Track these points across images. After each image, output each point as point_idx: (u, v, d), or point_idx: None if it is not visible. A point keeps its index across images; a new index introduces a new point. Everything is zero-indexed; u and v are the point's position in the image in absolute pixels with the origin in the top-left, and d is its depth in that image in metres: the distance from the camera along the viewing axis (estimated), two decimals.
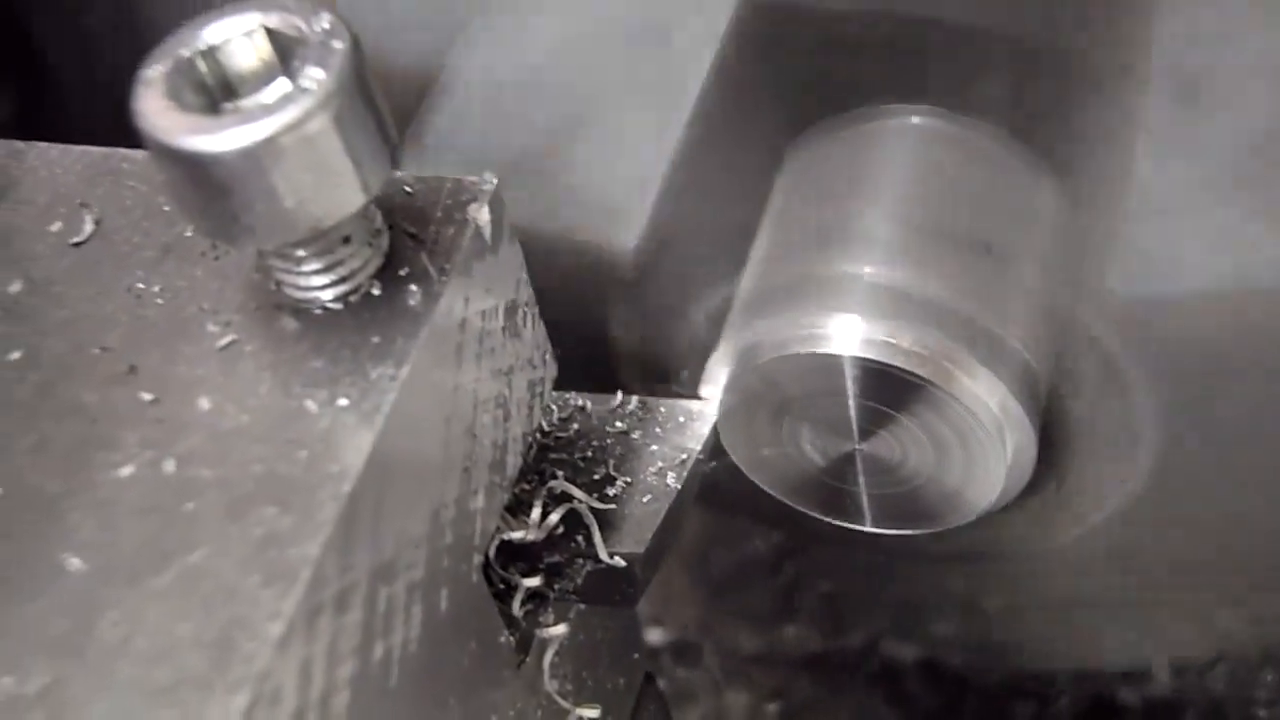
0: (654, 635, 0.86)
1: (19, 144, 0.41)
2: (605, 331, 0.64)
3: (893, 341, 0.50)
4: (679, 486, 0.42)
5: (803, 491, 0.57)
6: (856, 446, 0.54)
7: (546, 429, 0.44)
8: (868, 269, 0.52)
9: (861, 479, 0.55)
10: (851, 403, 0.52)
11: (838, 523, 0.58)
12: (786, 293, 0.53)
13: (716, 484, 0.51)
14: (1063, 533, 0.63)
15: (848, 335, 0.50)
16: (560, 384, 0.43)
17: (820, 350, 0.50)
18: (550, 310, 0.41)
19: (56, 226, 0.39)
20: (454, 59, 0.58)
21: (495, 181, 0.38)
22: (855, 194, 0.53)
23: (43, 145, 0.41)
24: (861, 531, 0.58)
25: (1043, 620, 0.75)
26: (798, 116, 0.55)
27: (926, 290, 0.51)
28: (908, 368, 0.50)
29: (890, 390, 0.51)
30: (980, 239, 0.53)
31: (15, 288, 0.38)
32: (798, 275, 0.53)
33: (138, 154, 0.40)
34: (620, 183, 0.59)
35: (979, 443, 0.52)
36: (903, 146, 0.53)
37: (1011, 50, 0.51)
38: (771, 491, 0.58)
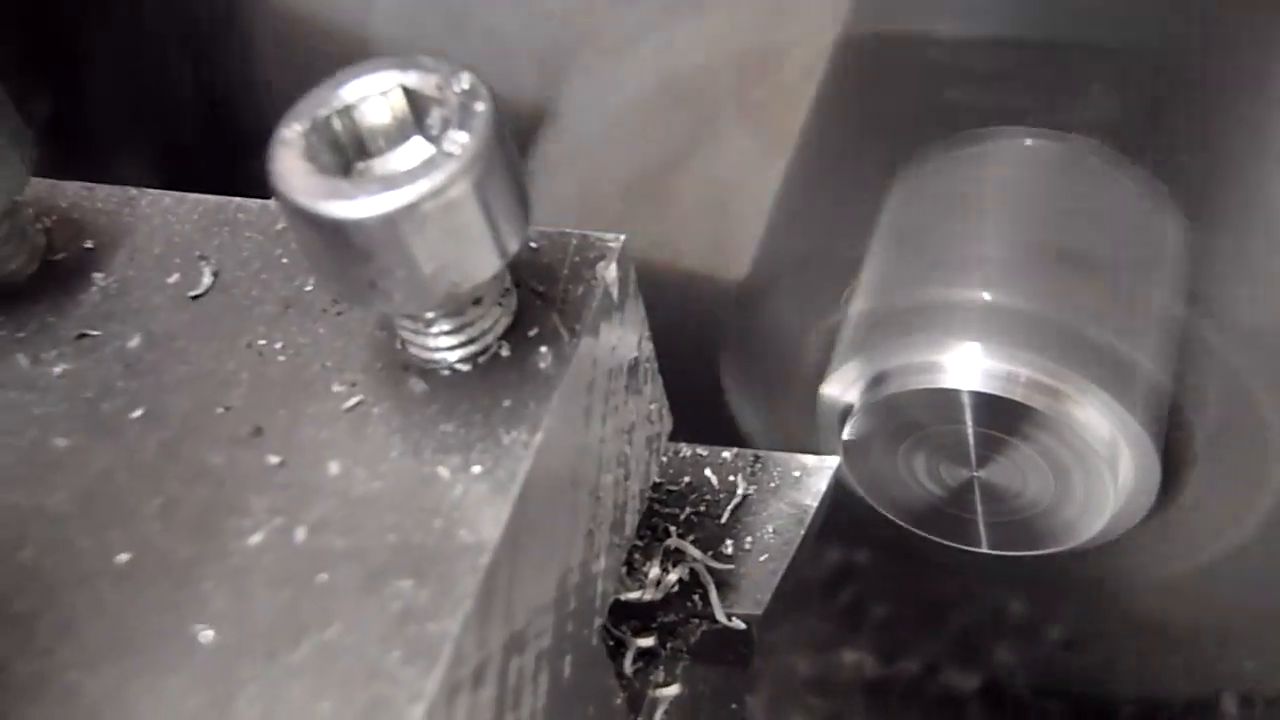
0: None
1: (131, 190, 0.40)
2: (715, 358, 0.63)
3: (1014, 371, 0.49)
4: (796, 545, 0.41)
5: (921, 516, 0.57)
6: (975, 474, 0.53)
7: (658, 480, 0.43)
8: (985, 294, 0.51)
9: (980, 505, 0.55)
10: (970, 430, 0.52)
11: (955, 545, 0.57)
12: (903, 319, 0.52)
13: None
14: (1167, 563, 0.63)
15: (968, 367, 0.50)
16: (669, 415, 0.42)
17: (941, 385, 0.50)
18: (659, 338, 0.40)
19: (174, 278, 0.38)
20: (567, 89, 0.57)
21: (623, 238, 0.37)
22: (969, 217, 0.53)
23: (155, 192, 0.40)
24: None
25: (1108, 648, 0.74)
26: (907, 141, 0.54)
27: (1044, 313, 0.51)
28: (1029, 400, 0.49)
29: (1011, 417, 0.51)
30: (1096, 259, 0.52)
31: (135, 342, 0.37)
32: (913, 301, 0.52)
33: (253, 203, 0.39)
34: (729, 210, 0.58)
35: (1098, 467, 0.51)
36: (1015, 168, 0.53)
37: (1125, 69, 0.50)
38: (891, 516, 0.57)
